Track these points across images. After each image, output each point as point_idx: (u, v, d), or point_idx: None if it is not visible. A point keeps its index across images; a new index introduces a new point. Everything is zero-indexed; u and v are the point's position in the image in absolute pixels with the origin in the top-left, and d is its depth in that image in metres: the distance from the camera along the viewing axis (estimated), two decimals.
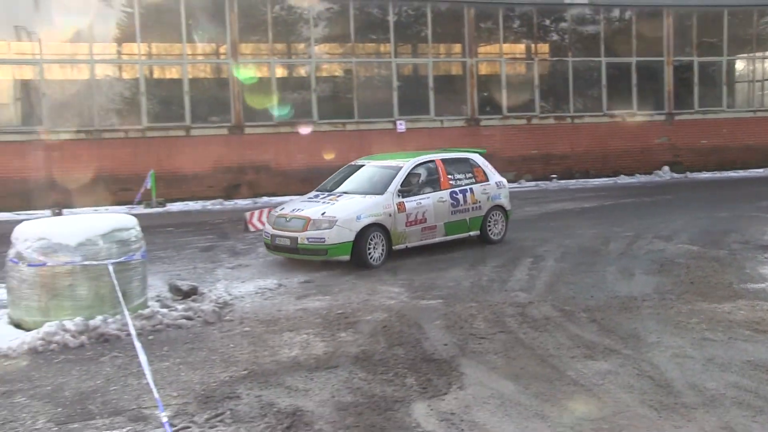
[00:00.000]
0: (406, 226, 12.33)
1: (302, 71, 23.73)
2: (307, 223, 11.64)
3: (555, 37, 26.54)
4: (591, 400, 6.28)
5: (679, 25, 26.90)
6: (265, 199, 21.37)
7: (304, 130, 22.52)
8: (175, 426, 5.85)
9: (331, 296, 10.12)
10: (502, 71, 25.21)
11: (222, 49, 22.65)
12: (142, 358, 6.41)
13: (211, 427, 5.91)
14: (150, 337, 8.37)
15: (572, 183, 24.94)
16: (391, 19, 23.74)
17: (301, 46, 23.81)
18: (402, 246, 12.33)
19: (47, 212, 19.01)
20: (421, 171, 12.87)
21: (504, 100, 25.17)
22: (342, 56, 24.03)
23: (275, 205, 14.35)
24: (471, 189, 13.33)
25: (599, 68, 26.10)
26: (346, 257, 11.64)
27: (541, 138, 25.53)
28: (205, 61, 23.09)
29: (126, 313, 8.11)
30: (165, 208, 20.31)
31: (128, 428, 5.94)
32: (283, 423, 5.97)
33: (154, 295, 9.72)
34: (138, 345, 6.69)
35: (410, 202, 12.39)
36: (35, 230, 8.74)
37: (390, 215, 12.10)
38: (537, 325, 8.51)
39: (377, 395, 6.51)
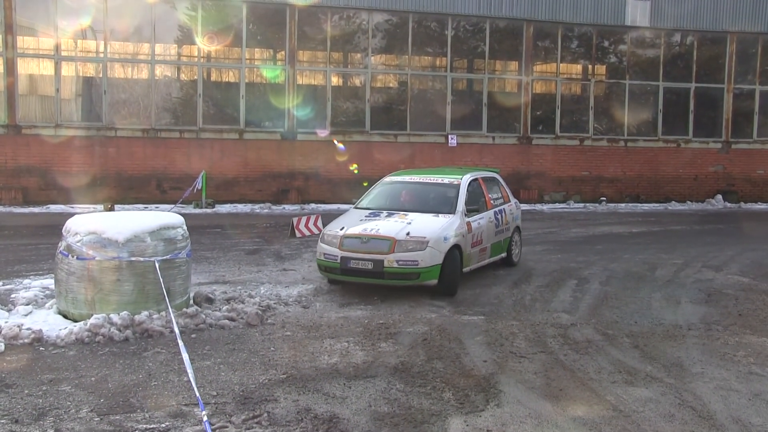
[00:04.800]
0: (471, 247, 11.44)
1: (357, 81, 23.88)
2: (392, 244, 10.38)
3: (613, 59, 26.35)
4: (630, 427, 6.19)
5: (743, 51, 26.45)
6: (323, 206, 21.56)
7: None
8: (213, 425, 5.92)
9: (374, 306, 10.15)
10: (557, 91, 25.10)
11: (280, 56, 22.90)
12: (185, 355, 6.50)
13: (247, 428, 5.97)
14: (193, 336, 8.49)
15: (621, 207, 24.66)
16: (449, 33, 23.78)
17: (358, 56, 23.96)
18: (467, 269, 11.40)
19: (100, 207, 19.44)
20: (473, 189, 12.09)
21: (557, 119, 25.06)
22: (397, 68, 24.13)
23: (323, 213, 13.99)
24: (504, 210, 12.74)
25: (656, 92, 25.84)
26: (435, 281, 10.54)
27: (593, 160, 25.35)
28: (263, 66, 23.31)
29: (170, 310, 8.24)
30: (214, 209, 20.63)
31: (167, 423, 6.02)
32: (318, 429, 6.00)
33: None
34: (181, 343, 6.79)
35: (474, 222, 11.52)
36: (86, 225, 8.93)
37: (463, 236, 11.13)
38: (578, 347, 8.43)
39: (414, 407, 6.51)
